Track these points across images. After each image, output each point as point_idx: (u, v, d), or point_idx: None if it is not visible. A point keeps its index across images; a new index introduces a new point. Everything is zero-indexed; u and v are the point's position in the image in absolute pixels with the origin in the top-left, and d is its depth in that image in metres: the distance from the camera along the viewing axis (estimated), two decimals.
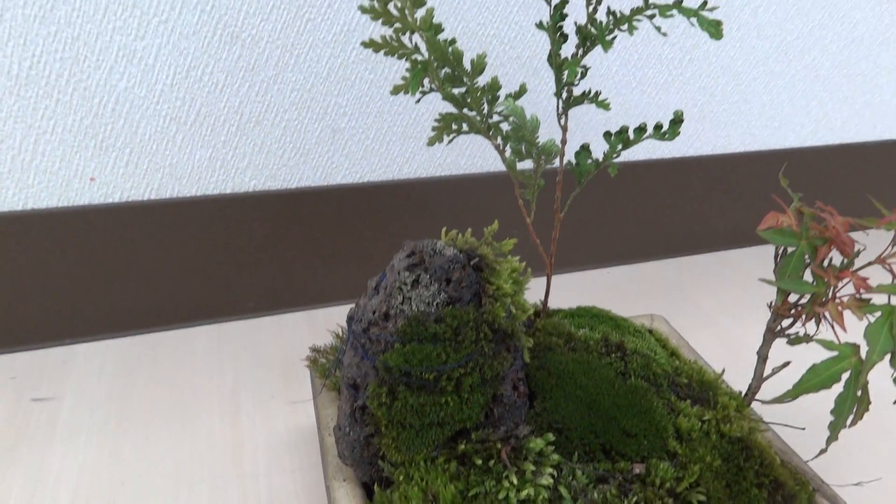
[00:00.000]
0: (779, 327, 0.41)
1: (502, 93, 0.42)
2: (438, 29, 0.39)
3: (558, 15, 0.42)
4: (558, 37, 0.43)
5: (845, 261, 0.37)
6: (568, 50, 0.44)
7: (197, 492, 0.52)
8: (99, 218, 0.64)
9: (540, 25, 0.42)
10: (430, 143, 0.47)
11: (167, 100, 0.62)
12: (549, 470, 0.37)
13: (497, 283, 0.39)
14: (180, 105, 0.62)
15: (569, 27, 0.44)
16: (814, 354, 0.39)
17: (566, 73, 0.41)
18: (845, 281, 0.35)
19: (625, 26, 0.42)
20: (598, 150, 0.47)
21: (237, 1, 0.59)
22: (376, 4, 0.39)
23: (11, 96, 0.57)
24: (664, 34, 0.42)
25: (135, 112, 0.61)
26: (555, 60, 0.43)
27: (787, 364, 0.43)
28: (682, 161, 0.86)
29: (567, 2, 0.42)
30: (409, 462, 0.37)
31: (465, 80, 0.41)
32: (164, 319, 0.71)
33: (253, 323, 0.74)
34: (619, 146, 0.45)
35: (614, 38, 0.43)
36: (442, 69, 0.40)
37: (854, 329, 0.37)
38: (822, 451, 0.38)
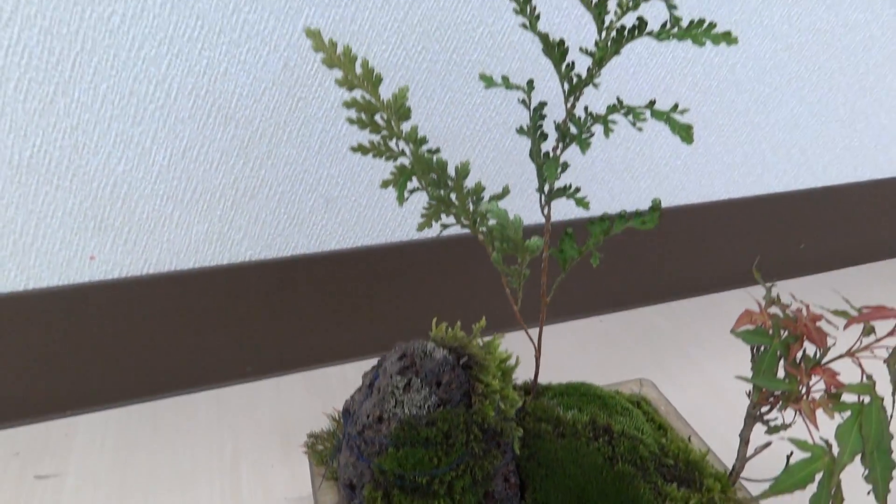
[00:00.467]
0: (758, 412, 0.43)
1: (486, 193, 0.44)
2: (423, 141, 0.41)
3: (537, 116, 0.44)
4: (538, 136, 0.45)
5: (818, 353, 0.39)
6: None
7: None
8: (99, 294, 0.66)
9: (521, 131, 0.44)
10: (420, 228, 0.49)
11: (164, 180, 0.64)
12: None
13: (486, 380, 0.41)
14: (177, 184, 0.64)
15: (549, 124, 0.46)
16: (797, 432, 0.40)
17: (546, 171, 0.43)
18: (818, 377, 0.37)
19: (600, 125, 0.44)
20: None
21: (230, 85, 0.62)
22: (364, 116, 0.41)
23: (13, 184, 0.59)
24: (640, 129, 0.44)
25: (133, 193, 0.63)
26: (536, 158, 0.45)
27: (768, 444, 0.44)
28: (668, 211, 0.88)
29: (545, 104, 0.44)
30: None
31: (449, 183, 0.43)
32: (163, 387, 0.72)
33: (251, 387, 0.75)
34: (602, 235, 0.47)
35: (592, 136, 0.45)
36: (428, 175, 0.42)
37: (829, 422, 0.39)
38: None
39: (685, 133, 0.41)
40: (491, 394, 0.40)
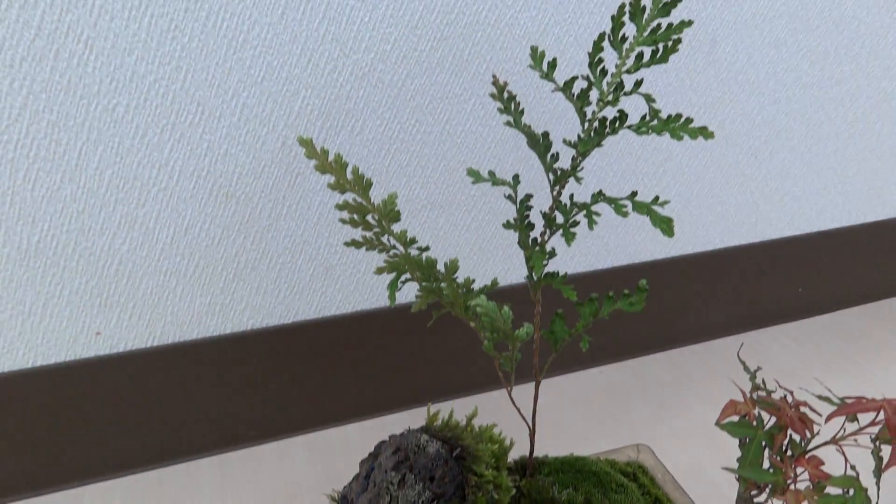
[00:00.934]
0: (749, 495, 0.43)
1: (476, 284, 0.46)
2: (413, 241, 0.42)
3: (524, 208, 0.46)
4: (525, 226, 0.46)
5: (803, 442, 0.40)
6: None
7: None
8: (105, 368, 0.67)
9: (508, 225, 0.46)
10: (414, 310, 0.50)
11: (167, 256, 0.65)
12: None
13: (479, 471, 0.42)
14: (180, 260, 0.66)
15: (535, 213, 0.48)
16: None
17: (533, 263, 0.44)
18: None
19: (584, 214, 0.45)
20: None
21: (231, 164, 0.64)
22: (356, 217, 0.43)
23: (21, 268, 0.61)
24: (625, 214, 0.46)
25: (137, 270, 0.65)
26: (524, 248, 0.46)
27: None
28: (664, 261, 0.90)
29: (531, 196, 0.46)
30: None
31: (439, 277, 0.44)
32: (168, 455, 0.73)
33: (254, 451, 0.76)
34: (591, 317, 0.48)
35: (576, 224, 0.46)
36: (418, 272, 0.44)
37: None
38: None
39: (666, 226, 0.42)
40: (484, 484, 0.41)
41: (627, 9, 0.47)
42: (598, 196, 0.46)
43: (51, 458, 0.68)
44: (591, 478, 0.51)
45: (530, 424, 0.49)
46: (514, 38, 0.68)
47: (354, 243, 0.45)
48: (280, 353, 0.74)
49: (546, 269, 0.48)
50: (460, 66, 0.68)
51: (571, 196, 0.47)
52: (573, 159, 0.47)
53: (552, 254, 0.47)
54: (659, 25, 0.46)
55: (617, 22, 0.47)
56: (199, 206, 0.64)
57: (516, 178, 0.46)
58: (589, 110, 0.50)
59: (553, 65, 0.48)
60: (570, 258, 0.84)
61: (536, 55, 0.48)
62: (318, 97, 0.64)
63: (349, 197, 0.43)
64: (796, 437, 0.41)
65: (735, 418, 0.40)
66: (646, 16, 0.46)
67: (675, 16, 0.74)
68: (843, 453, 0.39)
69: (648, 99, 0.46)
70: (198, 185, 0.63)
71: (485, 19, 0.66)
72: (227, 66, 0.60)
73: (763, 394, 0.42)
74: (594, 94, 0.48)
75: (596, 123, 0.47)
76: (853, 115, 0.92)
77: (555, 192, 0.48)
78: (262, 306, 0.72)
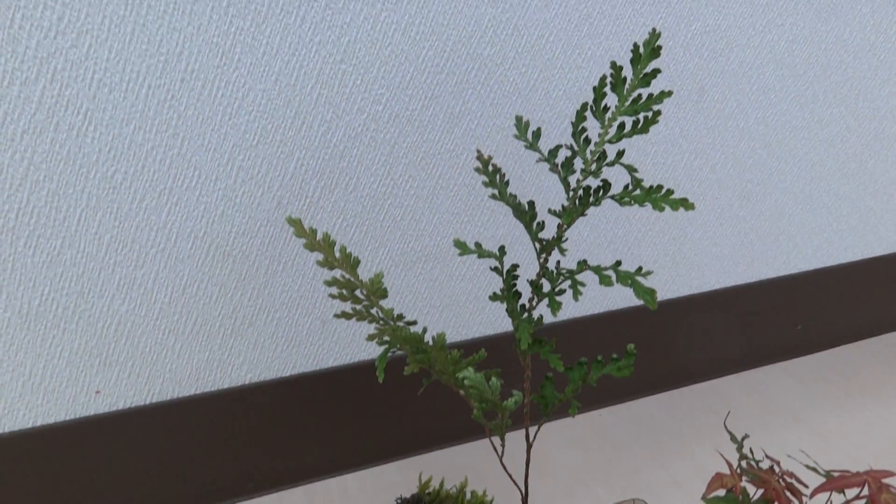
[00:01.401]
0: None
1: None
2: (400, 317, 0.43)
3: (510, 278, 0.47)
4: (512, 295, 0.47)
5: None
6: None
7: None
8: (105, 426, 0.68)
9: (494, 297, 0.46)
10: (407, 372, 0.51)
11: (165, 315, 0.66)
12: None
13: None
14: (178, 318, 0.67)
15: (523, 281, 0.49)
16: None
17: (520, 334, 0.45)
18: None
19: (569, 282, 0.46)
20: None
21: (227, 225, 0.65)
22: (345, 292, 0.44)
23: (22, 331, 0.62)
24: (610, 283, 0.46)
25: (136, 330, 0.66)
26: (513, 317, 0.47)
27: None
28: (662, 304, 0.90)
29: (517, 266, 0.47)
30: None
31: (427, 350, 0.45)
32: None
33: (254, 503, 0.76)
34: (580, 381, 0.49)
35: (563, 293, 0.47)
36: (406, 345, 0.45)
37: None
38: None
39: (649, 297, 0.43)
40: None
41: (609, 80, 0.49)
42: (583, 265, 0.46)
43: None
44: None
45: (523, 490, 0.50)
46: (504, 94, 0.70)
47: (345, 315, 0.46)
48: (278, 405, 0.74)
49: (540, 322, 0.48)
50: (451, 123, 0.69)
51: (558, 263, 0.48)
52: (559, 227, 0.47)
53: (539, 321, 0.47)
54: (640, 96, 0.47)
55: (599, 92, 0.48)
56: (197, 266, 0.65)
57: (502, 249, 0.47)
58: (573, 179, 0.51)
59: (538, 134, 0.49)
60: (565, 303, 0.85)
61: (521, 125, 0.50)
62: (312, 157, 0.65)
63: (338, 273, 0.43)
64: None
65: (722, 492, 0.40)
66: (626, 86, 0.48)
67: (663, 74, 0.76)
68: None
69: (630, 169, 0.46)
70: (195, 245, 0.64)
71: (475, 78, 0.68)
72: (223, 131, 0.61)
73: (751, 462, 0.42)
74: (579, 163, 0.49)
75: (581, 192, 0.48)
76: (845, 154, 0.93)
77: (541, 260, 0.48)
78: (260, 360, 0.72)
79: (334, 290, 0.43)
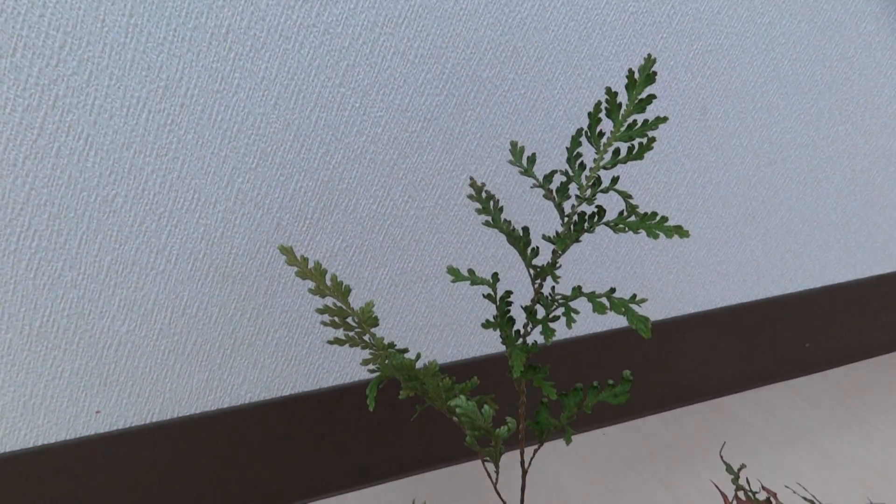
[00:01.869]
0: None
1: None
2: (391, 346, 0.43)
3: (504, 305, 0.46)
4: (506, 322, 0.47)
5: None
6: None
7: None
8: (105, 445, 0.68)
9: (487, 324, 0.46)
10: (402, 396, 0.50)
11: (165, 336, 0.67)
12: None
13: None
14: (177, 339, 0.67)
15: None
16: None
17: (513, 362, 0.45)
18: None
19: (563, 310, 0.46)
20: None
21: (227, 247, 0.65)
22: (336, 320, 0.44)
23: (23, 352, 0.63)
24: (604, 311, 0.46)
25: (136, 350, 0.66)
26: (507, 344, 0.47)
27: None
28: (665, 322, 0.89)
29: (511, 292, 0.47)
30: None
31: (420, 377, 0.45)
32: None
33: None
34: (575, 408, 0.48)
35: (556, 320, 0.46)
36: (398, 373, 0.44)
37: None
38: None
39: (643, 325, 0.42)
40: None
41: (604, 105, 0.49)
42: (578, 291, 0.46)
43: None
44: None
45: None
46: (504, 115, 0.70)
47: (337, 341, 0.46)
48: (277, 424, 0.74)
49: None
50: (451, 144, 0.69)
51: (553, 288, 0.48)
52: (554, 253, 0.47)
53: (533, 347, 0.47)
54: (635, 122, 0.47)
55: (594, 118, 0.48)
56: (196, 287, 0.66)
57: (495, 276, 0.47)
58: (568, 204, 0.51)
59: (532, 160, 0.49)
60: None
61: (516, 150, 0.49)
62: (311, 179, 0.65)
63: (329, 301, 0.43)
64: None
65: None
66: (622, 112, 0.47)
67: (665, 93, 0.76)
68: None
69: (625, 196, 0.46)
70: (195, 267, 0.65)
71: (474, 99, 0.68)
72: (223, 154, 0.62)
73: (748, 493, 0.42)
74: (574, 188, 0.49)
75: (576, 217, 0.47)
76: (852, 171, 0.92)
77: (536, 286, 0.48)
78: (260, 380, 0.72)
79: (326, 318, 0.43)
